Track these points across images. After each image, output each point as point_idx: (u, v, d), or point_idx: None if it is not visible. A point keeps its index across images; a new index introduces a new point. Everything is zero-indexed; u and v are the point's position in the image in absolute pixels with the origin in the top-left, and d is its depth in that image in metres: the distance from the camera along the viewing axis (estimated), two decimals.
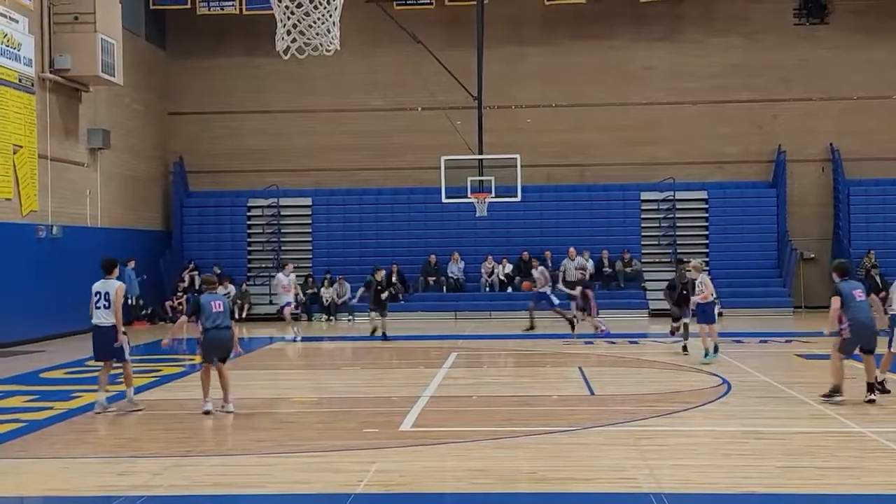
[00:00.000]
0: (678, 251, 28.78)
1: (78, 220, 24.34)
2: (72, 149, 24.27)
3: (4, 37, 20.93)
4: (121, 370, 12.36)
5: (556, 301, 22.09)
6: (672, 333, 18.62)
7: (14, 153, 21.30)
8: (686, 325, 17.76)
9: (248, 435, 10.85)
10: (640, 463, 8.94)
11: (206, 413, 11.68)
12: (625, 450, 9.54)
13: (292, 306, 22.09)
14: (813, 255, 29.46)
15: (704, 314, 16.58)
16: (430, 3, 29.13)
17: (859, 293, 11.91)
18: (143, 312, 26.95)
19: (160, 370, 16.32)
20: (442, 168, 25.12)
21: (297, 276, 24.14)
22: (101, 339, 12.14)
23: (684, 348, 17.66)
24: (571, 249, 25.64)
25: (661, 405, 12.29)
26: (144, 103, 28.96)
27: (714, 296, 16.74)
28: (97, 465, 9.32)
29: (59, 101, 23.60)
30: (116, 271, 12.32)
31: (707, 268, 28.70)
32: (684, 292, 17.52)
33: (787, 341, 20.20)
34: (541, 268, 22.49)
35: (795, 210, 29.51)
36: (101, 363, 12.31)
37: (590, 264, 28.05)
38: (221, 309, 12.03)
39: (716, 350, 16.56)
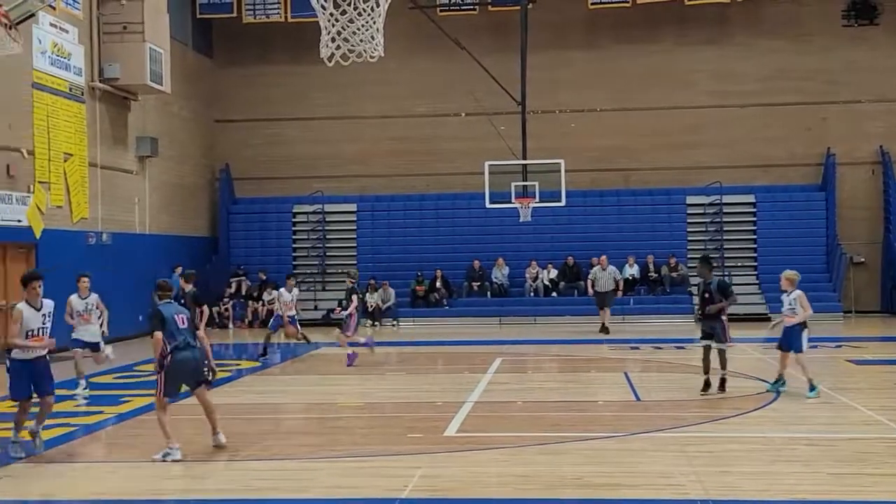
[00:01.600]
0: (725, 256, 28.56)
1: (127, 227, 24.69)
2: (121, 157, 24.63)
3: (55, 47, 21.31)
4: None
5: (273, 323, 20.43)
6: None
7: (65, 161, 21.66)
8: (718, 351, 13.47)
9: (293, 440, 10.92)
10: (688, 469, 8.86)
11: (176, 461, 9.53)
12: (672, 456, 9.46)
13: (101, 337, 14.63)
14: (863, 259, 29.00)
15: (788, 338, 13.15)
16: (474, 9, 29.17)
17: None
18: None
19: None
20: (486, 173, 25.08)
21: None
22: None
23: (706, 384, 13.41)
24: (603, 258, 24.55)
25: (707, 411, 12.18)
26: (192, 111, 29.31)
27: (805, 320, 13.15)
28: (146, 468, 9.42)
29: (109, 110, 23.96)
30: (39, 289, 9.82)
31: (755, 272, 28.68)
32: (706, 295, 13.52)
33: (837, 346, 19.91)
34: (295, 289, 20.80)
35: (845, 213, 29.06)
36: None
37: (635, 269, 27.96)
38: (185, 325, 9.91)
39: (783, 383, 13.36)
